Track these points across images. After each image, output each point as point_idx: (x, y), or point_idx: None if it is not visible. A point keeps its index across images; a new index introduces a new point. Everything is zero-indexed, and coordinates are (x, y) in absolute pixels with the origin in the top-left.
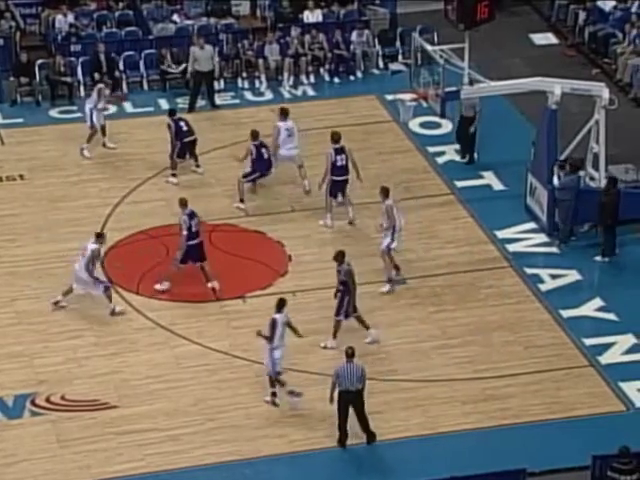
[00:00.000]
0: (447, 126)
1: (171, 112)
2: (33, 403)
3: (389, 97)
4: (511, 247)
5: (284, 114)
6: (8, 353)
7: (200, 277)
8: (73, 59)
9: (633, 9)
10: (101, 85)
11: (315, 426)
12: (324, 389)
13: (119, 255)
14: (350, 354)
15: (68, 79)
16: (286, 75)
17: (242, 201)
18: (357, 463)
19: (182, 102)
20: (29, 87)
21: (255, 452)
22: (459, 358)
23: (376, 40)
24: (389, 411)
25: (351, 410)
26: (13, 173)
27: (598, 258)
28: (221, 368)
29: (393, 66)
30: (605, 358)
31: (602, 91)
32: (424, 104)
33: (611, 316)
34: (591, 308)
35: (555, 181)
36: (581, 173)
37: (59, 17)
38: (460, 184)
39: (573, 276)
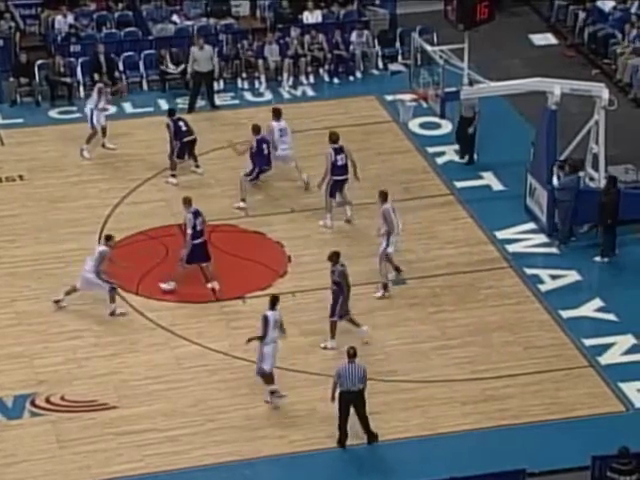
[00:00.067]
0: (447, 126)
1: (170, 112)
2: (33, 404)
3: (389, 97)
4: (511, 247)
5: (277, 114)
6: (8, 354)
7: (200, 277)
8: (73, 60)
9: (633, 9)
10: (101, 84)
11: (315, 427)
12: (324, 389)
13: (119, 256)
14: (352, 354)
15: (68, 80)
16: (286, 76)
17: (244, 200)
18: (357, 463)
19: (182, 102)
20: (29, 87)
21: (255, 453)
22: (459, 359)
23: (376, 41)
24: (389, 412)
25: (352, 410)
26: (13, 174)
27: (597, 259)
28: (221, 369)
29: (393, 66)
30: (605, 358)
31: (602, 91)
32: (424, 104)
33: (611, 316)
34: (591, 308)
35: (555, 181)
36: (581, 174)
37: (59, 18)
38: (460, 184)
39: (573, 276)
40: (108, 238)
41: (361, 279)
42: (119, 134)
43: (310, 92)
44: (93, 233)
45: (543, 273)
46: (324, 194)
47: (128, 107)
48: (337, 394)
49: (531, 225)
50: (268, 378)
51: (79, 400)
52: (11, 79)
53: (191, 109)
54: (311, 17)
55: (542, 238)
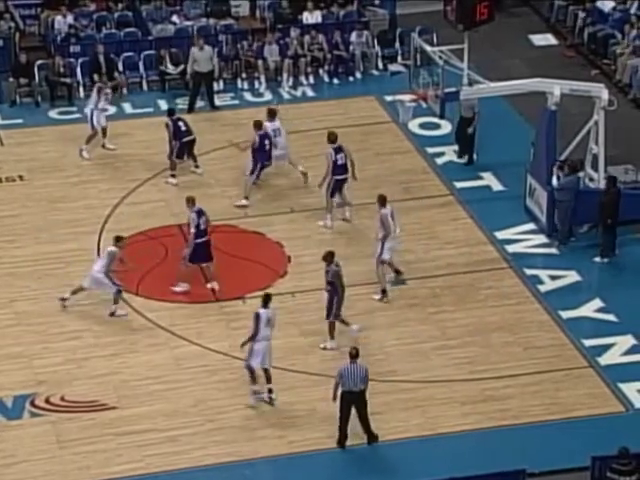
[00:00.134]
0: (446, 127)
1: (170, 112)
2: (32, 404)
3: (388, 98)
4: (510, 248)
5: (271, 115)
6: (7, 354)
7: (200, 278)
8: (72, 60)
9: (632, 10)
10: (100, 83)
11: (315, 427)
12: (324, 390)
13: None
14: (354, 355)
15: (67, 80)
16: (285, 76)
17: (247, 198)
18: (357, 464)
19: (181, 103)
20: (28, 88)
21: (254, 453)
22: (458, 359)
23: (375, 41)
24: (389, 412)
25: (353, 411)
26: (12, 174)
27: (597, 259)
28: (221, 369)
29: (392, 67)
30: (604, 359)
31: (601, 92)
32: (423, 105)
33: (610, 317)
34: (590, 309)
35: (554, 182)
36: (580, 174)
37: (58, 18)
38: (459, 185)
39: (572, 277)
40: (118, 239)
41: (360, 279)
42: (119, 134)
43: (310, 92)
44: (93, 233)
45: (543, 273)
46: (325, 194)
47: (128, 107)
48: (339, 394)
49: (531, 225)
50: (253, 376)
51: (79, 400)
52: (11, 79)
53: (191, 109)
54: (311, 17)
55: (542, 238)
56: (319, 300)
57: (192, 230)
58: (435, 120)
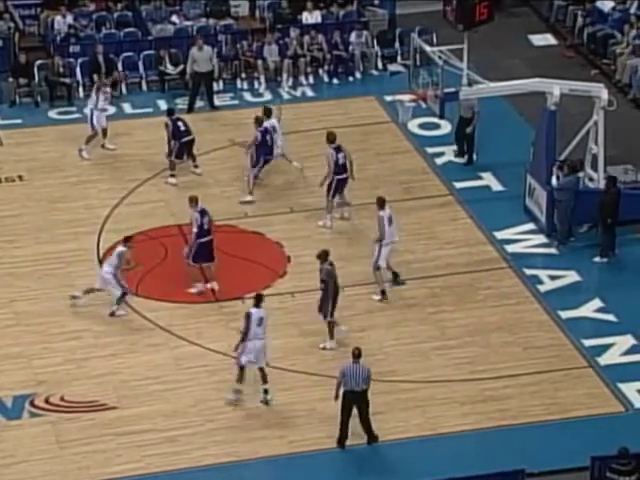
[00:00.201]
0: (446, 127)
1: (169, 112)
2: (32, 404)
3: (388, 98)
4: (510, 248)
5: (267, 113)
6: (7, 354)
7: (200, 278)
8: (72, 60)
9: (632, 10)
10: (98, 83)
11: (314, 427)
12: (323, 390)
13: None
14: (357, 355)
15: (67, 80)
16: (285, 76)
17: (251, 194)
18: (356, 464)
19: (181, 103)
20: (28, 88)
21: (254, 453)
22: (458, 359)
23: (375, 41)
24: (389, 412)
25: (354, 411)
26: (12, 174)
27: (597, 259)
28: (220, 369)
29: (392, 67)
30: (604, 359)
31: (601, 92)
32: (423, 105)
33: (610, 317)
34: (590, 309)
35: (554, 182)
36: (580, 174)
37: (58, 18)
38: (459, 185)
39: (572, 277)
40: (127, 239)
41: (360, 279)
42: (118, 134)
43: (309, 92)
44: (92, 233)
45: (542, 273)
46: (325, 194)
47: (127, 108)
48: (340, 393)
49: (530, 225)
50: (241, 375)
51: (78, 400)
52: (10, 79)
53: (190, 109)
54: (310, 17)
55: (541, 238)
56: (319, 300)
57: (194, 230)
58: (435, 120)
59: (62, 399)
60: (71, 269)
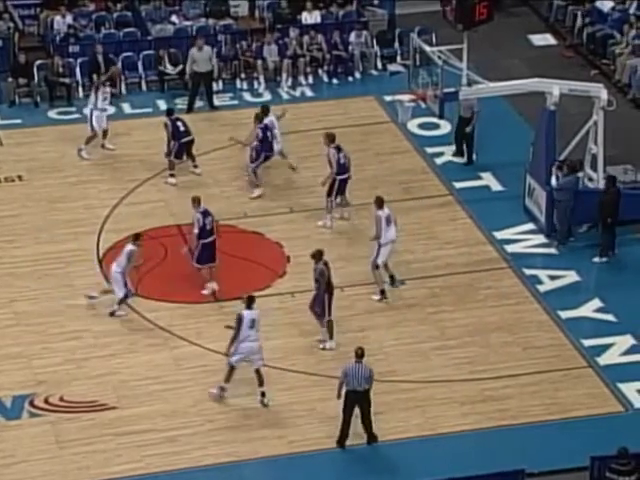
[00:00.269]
0: (446, 127)
1: (169, 112)
2: (32, 404)
3: (388, 98)
4: (510, 248)
5: (265, 112)
6: (7, 354)
7: (199, 278)
8: (71, 60)
9: (631, 10)
10: (96, 82)
11: (314, 427)
12: (323, 390)
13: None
14: (360, 354)
15: (66, 80)
16: (284, 76)
17: (258, 186)
18: (356, 464)
19: (181, 103)
20: (27, 88)
21: (254, 453)
22: (458, 359)
23: (374, 41)
24: (388, 412)
25: (356, 411)
26: (12, 174)
27: (596, 259)
28: (220, 369)
29: (392, 67)
30: (604, 359)
31: (600, 92)
32: (422, 105)
33: (610, 317)
34: (590, 309)
35: (553, 182)
36: (579, 174)
37: (57, 18)
38: (459, 185)
39: (572, 277)
40: (136, 237)
41: (360, 279)
42: (118, 134)
43: (309, 92)
44: (92, 234)
45: (542, 273)
46: (326, 194)
47: (127, 108)
48: (343, 393)
49: (530, 225)
50: (229, 374)
51: (78, 401)
52: (10, 80)
53: (190, 109)
54: (310, 17)
55: (541, 238)
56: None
57: (195, 231)
58: (434, 120)
59: (62, 399)
60: (71, 269)
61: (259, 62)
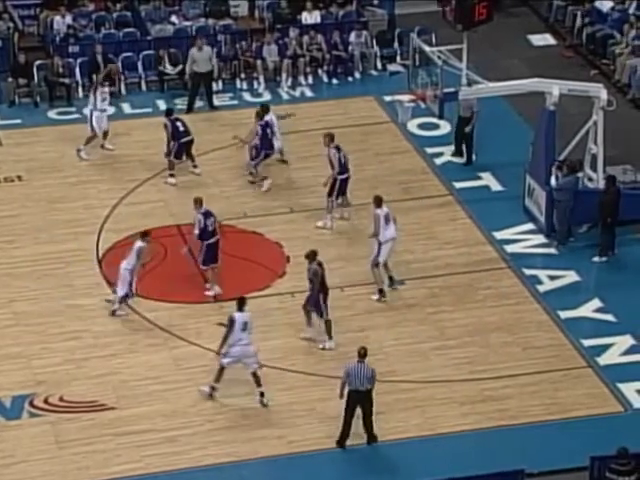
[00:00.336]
0: (445, 127)
1: (168, 112)
2: (31, 404)
3: (387, 98)
4: (509, 248)
5: (265, 111)
6: (6, 354)
7: (199, 278)
8: (71, 60)
9: (631, 10)
10: (95, 82)
11: (314, 427)
12: (323, 390)
13: (118, 256)
14: (362, 354)
15: (66, 80)
16: (284, 76)
17: (266, 178)
18: (356, 464)
19: (180, 103)
20: (27, 88)
21: (254, 453)
22: (457, 359)
23: (374, 41)
24: (388, 412)
25: (357, 410)
26: (11, 174)
27: (596, 259)
28: (227, 368)
29: (391, 67)
30: (603, 359)
31: (600, 92)
32: (422, 105)
33: (609, 317)
34: (589, 309)
35: (553, 182)
36: (579, 174)
37: (57, 18)
38: (458, 185)
39: (571, 277)
40: (145, 234)
41: (360, 279)
42: (118, 135)
43: (309, 93)
44: (92, 234)
45: (542, 273)
46: (327, 194)
47: (127, 108)
48: (345, 392)
49: (530, 225)
50: (219, 374)
51: (78, 401)
52: (9, 80)
53: (190, 109)
54: (310, 18)
55: (540, 238)
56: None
57: (195, 232)
58: (434, 120)
59: (61, 399)
60: (70, 269)
61: (259, 62)
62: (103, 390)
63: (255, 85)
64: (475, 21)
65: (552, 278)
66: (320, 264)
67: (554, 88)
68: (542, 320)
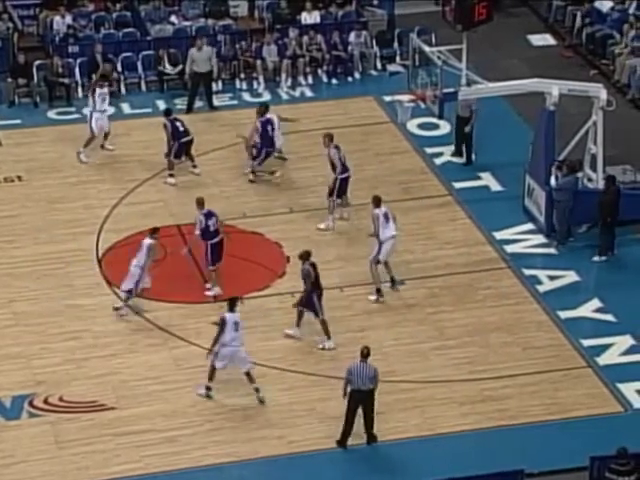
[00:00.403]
0: (445, 127)
1: (167, 112)
2: (31, 404)
3: (387, 98)
4: (509, 248)
5: (265, 110)
6: (6, 354)
7: (199, 278)
8: (71, 60)
9: (631, 10)
10: (92, 84)
11: (314, 427)
12: (323, 390)
13: (117, 256)
14: (365, 354)
15: (66, 80)
16: (284, 76)
17: (273, 173)
18: (356, 464)
19: (180, 103)
20: (27, 88)
21: (254, 453)
22: (457, 359)
23: (374, 41)
24: (388, 412)
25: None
26: (11, 174)
27: (596, 258)
28: (219, 369)
29: (391, 67)
30: (603, 359)
31: (600, 92)
32: (422, 105)
33: (609, 317)
34: (589, 309)
35: (552, 182)
36: (579, 174)
37: (57, 18)
38: (458, 185)
39: (571, 277)
40: (153, 231)
41: (360, 279)
42: (117, 135)
43: (308, 93)
44: (92, 234)
45: (541, 274)
46: (327, 194)
47: (126, 108)
48: (348, 391)
49: (529, 226)
50: (212, 374)
51: (77, 401)
52: (9, 80)
53: (189, 110)
54: (309, 18)
55: (540, 239)
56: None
57: (196, 232)
58: (434, 120)
59: (61, 399)
60: (70, 269)
61: (258, 62)
62: (103, 390)
63: (255, 85)
64: (475, 21)
65: (552, 278)
66: (313, 264)
67: (554, 88)
68: (542, 320)
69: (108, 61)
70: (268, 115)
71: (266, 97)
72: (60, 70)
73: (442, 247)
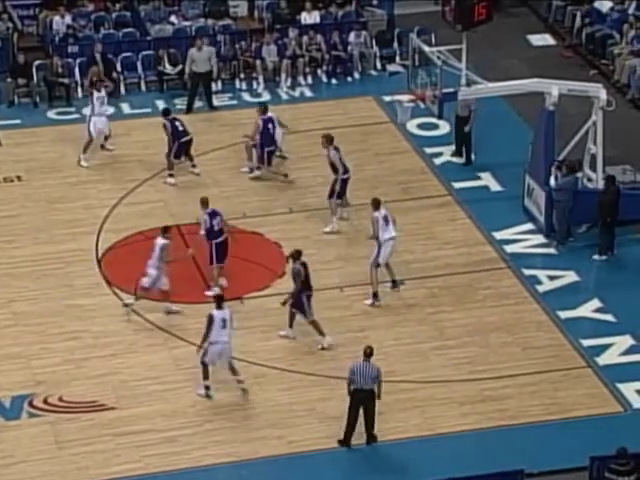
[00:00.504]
0: (445, 127)
1: (165, 112)
2: (31, 404)
3: (387, 98)
4: (509, 248)
5: (265, 110)
6: (6, 354)
7: (199, 278)
8: (70, 60)
9: (630, 10)
10: (89, 88)
11: (314, 427)
12: (323, 390)
13: (117, 256)
14: (368, 353)
15: (65, 80)
16: (284, 76)
17: (286, 176)
18: (356, 464)
19: (180, 103)
20: (27, 88)
21: (254, 453)
22: (457, 359)
23: (374, 41)
24: (388, 412)
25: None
26: (11, 174)
27: (596, 257)
28: (219, 369)
29: (391, 67)
30: (603, 359)
31: (599, 92)
32: (422, 105)
33: (609, 317)
34: (589, 309)
35: (552, 182)
36: (578, 174)
37: (56, 18)
38: (458, 185)
39: (571, 277)
40: (165, 230)
41: (360, 279)
42: (117, 135)
43: (308, 93)
44: (91, 234)
45: (541, 274)
46: (328, 195)
47: (126, 108)
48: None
49: (529, 226)
50: (205, 372)
51: (77, 401)
52: (9, 80)
53: (189, 110)
54: (309, 18)
55: (540, 239)
56: (317, 301)
57: (201, 232)
58: (433, 120)
59: (61, 399)
60: (70, 269)
61: (258, 62)
62: (103, 390)
63: (254, 85)
64: (475, 21)
65: (552, 278)
66: (304, 264)
67: (553, 88)
68: (542, 320)
69: (108, 61)
70: (269, 114)
71: (266, 97)
72: (60, 70)
73: (442, 247)
